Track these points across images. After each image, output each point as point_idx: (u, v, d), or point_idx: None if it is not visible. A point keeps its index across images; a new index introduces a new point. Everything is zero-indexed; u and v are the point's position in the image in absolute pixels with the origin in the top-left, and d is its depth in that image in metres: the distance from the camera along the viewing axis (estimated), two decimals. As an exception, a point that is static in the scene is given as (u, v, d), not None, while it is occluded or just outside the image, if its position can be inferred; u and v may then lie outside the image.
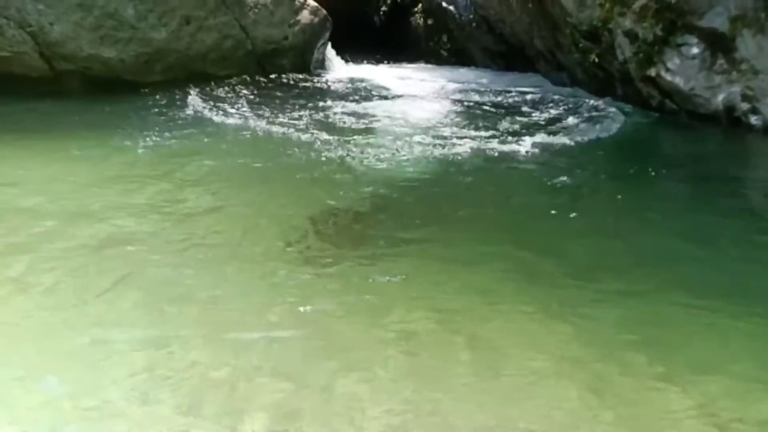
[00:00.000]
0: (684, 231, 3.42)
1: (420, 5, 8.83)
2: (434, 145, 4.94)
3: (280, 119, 5.73)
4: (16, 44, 6.19)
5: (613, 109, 6.20)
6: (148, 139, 4.98)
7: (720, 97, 5.44)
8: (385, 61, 8.77)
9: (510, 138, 5.18)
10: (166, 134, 5.14)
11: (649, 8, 5.74)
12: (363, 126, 5.71)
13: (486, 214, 3.74)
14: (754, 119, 5.30)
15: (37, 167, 4.33)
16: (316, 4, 7.67)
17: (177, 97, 6.34)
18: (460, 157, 4.70)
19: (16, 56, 6.24)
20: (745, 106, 5.33)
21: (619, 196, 4.02)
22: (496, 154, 4.77)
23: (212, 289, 2.71)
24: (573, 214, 3.64)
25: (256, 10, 7.19)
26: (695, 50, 5.56)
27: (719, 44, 5.46)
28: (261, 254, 3.06)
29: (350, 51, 8.59)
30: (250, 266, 2.93)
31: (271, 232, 3.33)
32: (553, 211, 3.69)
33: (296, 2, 7.47)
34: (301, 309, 2.54)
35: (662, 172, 4.55)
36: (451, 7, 8.35)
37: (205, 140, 5.12)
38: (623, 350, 2.29)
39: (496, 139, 5.13)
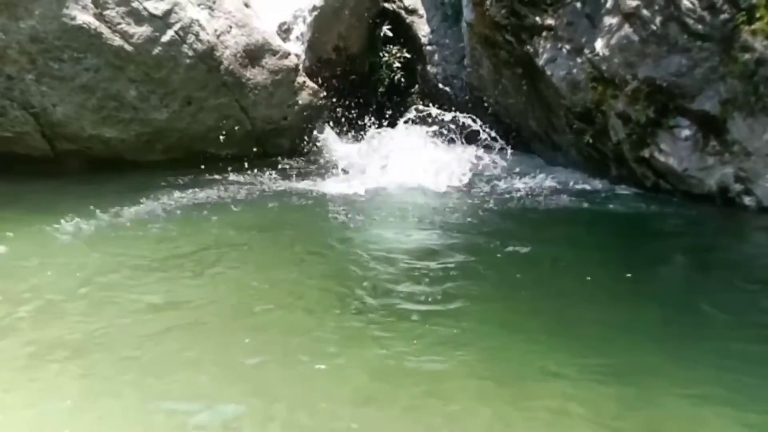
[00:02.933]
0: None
1: (417, 86, 8.99)
2: (430, 231, 5.01)
3: (280, 200, 5.82)
4: (19, 125, 6.29)
5: (607, 189, 6.30)
6: (149, 222, 5.02)
7: (713, 178, 5.52)
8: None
9: (500, 218, 5.23)
10: (165, 215, 5.20)
11: (641, 91, 5.86)
12: (361, 207, 5.80)
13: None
14: (747, 200, 5.37)
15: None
16: (315, 85, 7.82)
17: (176, 176, 6.42)
18: (457, 239, 4.73)
19: (19, 136, 6.33)
20: (738, 187, 5.41)
21: (612, 277, 4.04)
22: (485, 235, 4.81)
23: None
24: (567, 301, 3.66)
25: (256, 92, 7.32)
26: (687, 132, 5.66)
27: (711, 126, 5.57)
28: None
29: (348, 130, 8.72)
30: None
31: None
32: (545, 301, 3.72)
33: (296, 84, 7.61)
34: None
35: (655, 251, 4.59)
36: (448, 89, 8.53)
37: (209, 220, 5.18)
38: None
39: (487, 221, 5.20)
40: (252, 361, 3.01)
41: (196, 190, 6.09)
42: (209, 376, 2.88)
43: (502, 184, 6.62)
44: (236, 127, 7.25)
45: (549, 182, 6.64)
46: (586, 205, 5.95)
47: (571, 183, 6.54)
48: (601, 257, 4.56)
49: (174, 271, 4.13)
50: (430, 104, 8.72)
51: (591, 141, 6.36)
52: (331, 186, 6.61)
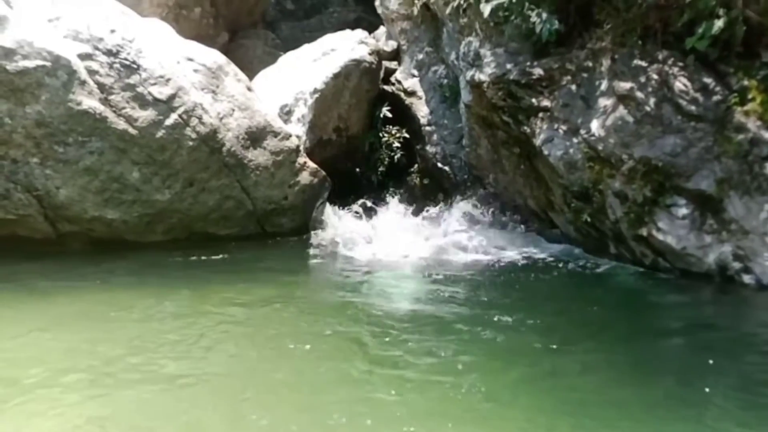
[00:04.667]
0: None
1: (416, 166, 9.10)
2: (423, 304, 5.01)
3: (282, 277, 5.86)
4: (22, 207, 6.34)
5: (606, 267, 6.31)
6: (156, 300, 5.05)
7: (712, 257, 5.54)
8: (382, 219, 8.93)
9: (498, 299, 5.24)
10: (172, 293, 5.23)
11: (637, 170, 5.94)
12: (359, 281, 5.83)
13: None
14: (747, 278, 5.38)
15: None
16: (315, 165, 7.91)
17: (177, 256, 6.48)
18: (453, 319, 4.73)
19: (22, 219, 6.38)
20: (737, 265, 5.42)
21: (612, 357, 4.02)
22: (480, 306, 4.82)
23: None
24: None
25: (258, 172, 7.41)
26: (685, 211, 5.71)
27: (708, 205, 5.62)
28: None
29: (348, 208, 8.80)
30: None
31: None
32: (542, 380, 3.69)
33: (296, 164, 7.71)
34: None
35: (654, 330, 4.58)
36: (446, 168, 8.63)
37: (215, 297, 5.20)
38: None
39: (483, 294, 5.20)
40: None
41: (199, 269, 6.14)
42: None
43: (499, 260, 6.65)
44: (237, 208, 7.32)
45: (547, 259, 6.69)
46: (584, 282, 5.98)
47: (570, 260, 6.57)
48: (599, 334, 4.54)
49: (184, 346, 4.15)
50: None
51: (589, 219, 6.40)
52: (330, 262, 6.66)
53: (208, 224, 7.18)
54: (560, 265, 6.45)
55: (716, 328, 4.73)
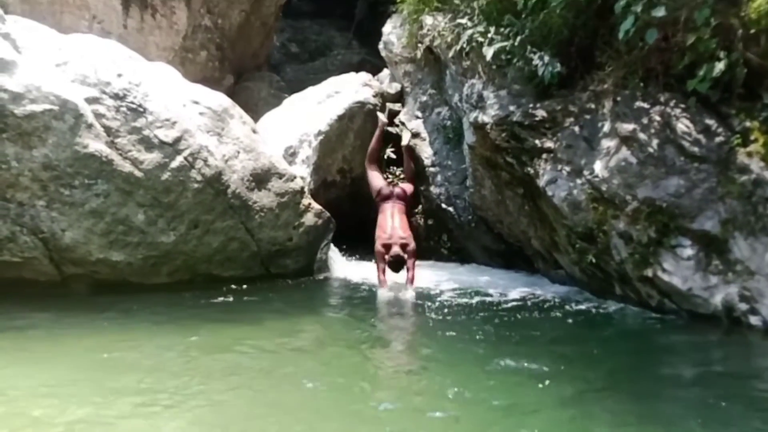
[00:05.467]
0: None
1: (420, 206, 9.13)
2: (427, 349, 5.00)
3: (289, 319, 5.85)
4: (28, 250, 6.35)
5: (612, 308, 6.29)
6: (164, 346, 5.03)
7: (718, 298, 5.51)
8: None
9: (501, 341, 5.22)
10: (179, 338, 5.21)
11: (641, 211, 5.95)
12: (366, 322, 5.82)
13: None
14: (754, 319, 5.34)
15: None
16: (320, 207, 7.94)
17: (182, 299, 6.47)
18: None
19: (27, 261, 6.38)
20: (743, 306, 5.39)
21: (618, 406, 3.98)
22: (485, 357, 4.79)
23: None
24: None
25: (262, 214, 7.43)
26: (690, 251, 5.70)
27: (713, 246, 5.61)
28: None
29: (353, 249, 8.82)
30: None
31: None
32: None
33: (301, 206, 7.74)
34: None
35: (661, 373, 4.54)
36: (451, 209, 8.65)
37: (221, 342, 5.18)
38: None
39: (487, 342, 5.19)
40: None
41: (206, 310, 6.14)
42: None
43: (504, 301, 6.64)
44: (241, 249, 7.33)
45: (552, 299, 6.67)
46: (589, 323, 5.95)
47: (575, 301, 6.55)
48: (604, 379, 4.49)
49: (196, 386, 4.13)
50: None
51: (594, 260, 6.39)
52: (336, 302, 6.68)
53: (212, 266, 7.18)
54: (565, 306, 6.42)
55: (724, 372, 4.68)
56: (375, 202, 8.47)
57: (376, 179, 8.62)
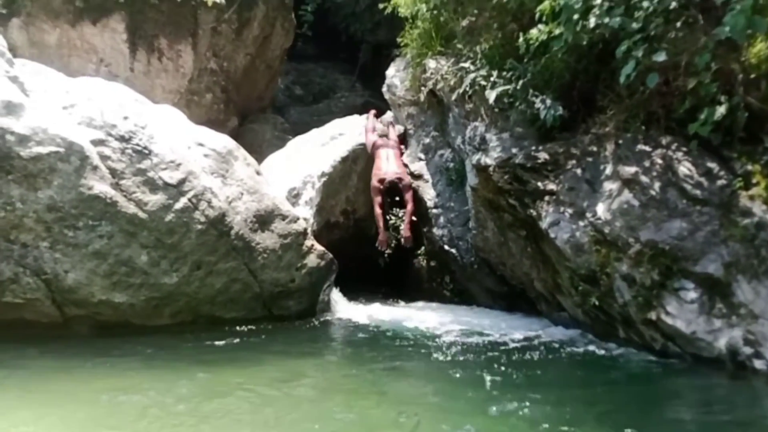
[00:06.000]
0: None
1: (423, 248, 9.13)
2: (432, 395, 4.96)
3: (293, 361, 5.82)
4: (30, 291, 6.35)
5: (616, 352, 6.24)
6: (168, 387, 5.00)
7: (722, 341, 5.47)
8: (389, 301, 8.94)
9: (503, 384, 5.18)
10: (178, 383, 5.18)
11: (644, 254, 5.93)
12: (368, 365, 5.79)
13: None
14: (758, 364, 5.29)
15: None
16: (323, 248, 7.95)
17: (184, 341, 6.45)
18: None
19: (29, 303, 6.38)
20: (748, 350, 5.35)
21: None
22: (486, 401, 4.76)
23: None
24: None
25: (265, 255, 7.44)
26: (693, 294, 5.67)
27: (716, 289, 5.59)
28: None
29: (355, 291, 8.80)
30: None
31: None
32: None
33: (304, 247, 7.75)
34: None
35: (666, 419, 4.50)
36: (453, 250, 8.65)
37: (220, 387, 5.15)
38: None
39: (488, 385, 5.15)
40: None
41: (209, 352, 6.12)
42: None
43: (506, 342, 6.60)
44: (244, 290, 7.32)
45: (555, 342, 6.62)
46: (592, 367, 5.90)
47: (578, 344, 6.50)
48: (608, 422, 4.44)
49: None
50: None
51: (597, 303, 6.36)
52: (339, 344, 6.64)
53: (214, 307, 7.17)
54: (568, 348, 6.37)
55: (728, 418, 4.63)
56: (370, 153, 9.22)
57: (370, 135, 9.25)
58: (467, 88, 7.69)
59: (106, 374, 5.36)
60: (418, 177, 9.12)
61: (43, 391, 4.88)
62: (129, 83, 8.65)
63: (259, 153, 9.55)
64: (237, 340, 6.58)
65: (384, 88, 10.00)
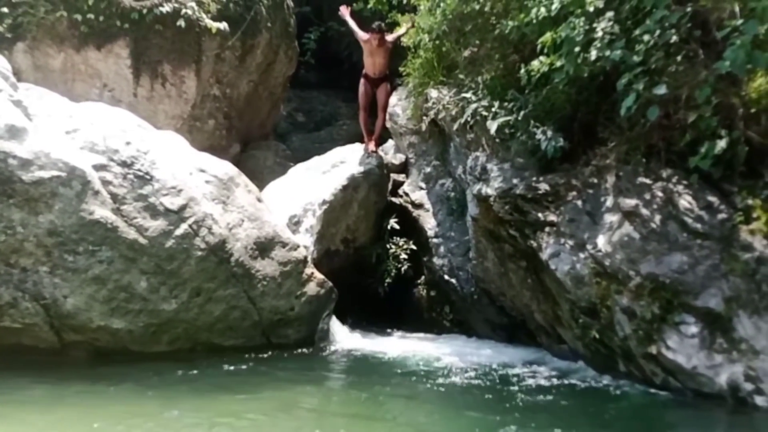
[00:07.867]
0: None
1: (423, 278, 9.10)
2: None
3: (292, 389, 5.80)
4: (29, 316, 6.33)
5: (616, 386, 6.20)
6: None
7: (723, 377, 5.44)
8: (388, 330, 8.89)
9: (502, 419, 5.14)
10: (175, 410, 5.15)
11: (644, 287, 5.92)
12: (365, 395, 5.76)
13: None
14: (759, 400, 5.26)
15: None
16: (322, 276, 7.92)
17: (182, 368, 6.40)
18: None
19: (27, 328, 6.36)
20: (749, 386, 5.32)
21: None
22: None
23: None
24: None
25: (265, 282, 7.42)
26: (694, 329, 5.65)
27: (717, 324, 5.57)
28: None
29: (354, 320, 8.76)
30: None
31: None
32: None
33: (304, 275, 7.73)
34: None
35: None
36: (453, 280, 8.62)
37: (218, 416, 5.12)
38: None
39: (488, 419, 5.11)
40: None
41: (206, 380, 6.08)
42: None
43: (505, 375, 6.56)
44: (243, 318, 7.29)
45: (554, 375, 6.58)
46: (592, 401, 5.85)
47: (578, 377, 6.46)
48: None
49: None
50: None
51: (597, 336, 6.33)
52: (338, 373, 6.60)
53: (213, 335, 7.13)
54: (567, 382, 6.33)
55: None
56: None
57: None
58: (469, 118, 7.71)
59: (102, 402, 5.32)
60: (418, 206, 9.12)
61: (39, 420, 4.83)
62: (132, 108, 8.68)
63: (260, 180, 9.55)
64: (234, 369, 6.54)
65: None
